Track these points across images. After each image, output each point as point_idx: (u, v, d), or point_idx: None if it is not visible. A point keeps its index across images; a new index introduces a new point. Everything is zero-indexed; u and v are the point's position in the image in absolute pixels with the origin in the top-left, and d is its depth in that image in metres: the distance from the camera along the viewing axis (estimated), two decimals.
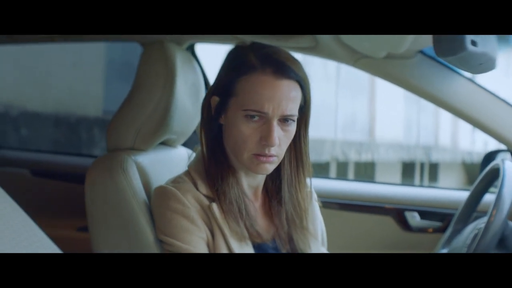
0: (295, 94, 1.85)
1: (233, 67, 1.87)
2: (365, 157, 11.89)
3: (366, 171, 12.39)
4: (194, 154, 2.01)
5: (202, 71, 2.69)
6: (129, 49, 5.24)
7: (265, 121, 1.81)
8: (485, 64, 1.63)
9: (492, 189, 2.39)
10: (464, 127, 20.27)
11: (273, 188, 2.00)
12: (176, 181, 1.91)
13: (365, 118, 13.28)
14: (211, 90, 1.92)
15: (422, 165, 15.52)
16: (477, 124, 2.53)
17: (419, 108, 16.01)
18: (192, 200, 1.86)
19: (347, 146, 11.24)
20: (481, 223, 2.12)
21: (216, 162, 1.91)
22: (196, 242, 1.83)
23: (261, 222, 1.96)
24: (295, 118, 1.86)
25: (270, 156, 1.84)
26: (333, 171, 10.84)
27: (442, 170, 16.79)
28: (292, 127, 1.87)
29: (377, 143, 12.86)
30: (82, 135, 5.83)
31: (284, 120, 1.83)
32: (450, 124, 18.75)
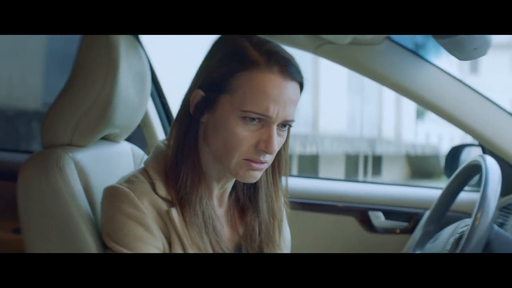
0: (297, 97, 1.67)
1: (228, 60, 1.65)
2: (310, 150, 11.85)
3: (310, 164, 12.36)
4: (138, 149, 1.78)
5: (148, 59, 2.47)
6: (70, 39, 5.05)
7: (264, 124, 1.62)
8: (479, 49, 1.51)
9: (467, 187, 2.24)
10: (408, 119, 20.48)
11: (246, 196, 1.82)
12: (130, 180, 1.69)
13: (309, 110, 13.27)
14: (194, 83, 1.71)
15: (365, 157, 15.61)
16: (447, 116, 2.36)
17: (363, 100, 16.09)
18: (148, 205, 1.65)
19: (292, 139, 11.14)
20: (461, 226, 1.94)
21: (186, 165, 1.70)
22: (150, 252, 1.64)
23: (225, 235, 1.77)
24: (293, 123, 1.68)
25: (263, 163, 1.65)
26: None
27: (385, 162, 16.91)
28: (286, 133, 1.69)
29: (321, 136, 12.85)
30: (21, 129, 5.63)
31: (282, 125, 1.65)
32: (394, 116, 18.89)
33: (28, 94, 5.98)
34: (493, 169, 1.87)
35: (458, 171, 2.17)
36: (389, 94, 17.71)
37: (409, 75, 2.33)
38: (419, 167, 19.54)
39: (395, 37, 2.35)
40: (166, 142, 1.76)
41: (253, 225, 1.78)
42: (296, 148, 11.36)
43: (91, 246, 1.71)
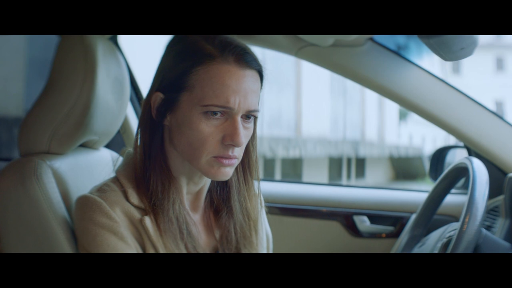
0: (257, 86, 1.63)
1: (183, 58, 1.61)
2: (293, 153, 11.83)
3: (293, 167, 12.34)
4: (120, 158, 1.74)
5: (126, 63, 2.43)
6: (51, 45, 5.01)
7: (228, 117, 1.59)
8: (466, 49, 1.48)
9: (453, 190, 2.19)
10: (390, 121, 20.49)
11: (220, 197, 1.77)
12: (102, 189, 1.63)
13: (291, 113, 13.26)
14: (153, 86, 1.67)
15: (349, 160, 15.60)
16: (431, 118, 2.33)
17: (346, 103, 16.08)
18: (121, 214, 1.60)
19: (275, 142, 11.14)
20: (449, 230, 1.90)
21: (155, 170, 1.65)
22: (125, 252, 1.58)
23: (202, 240, 1.73)
24: (257, 114, 1.65)
25: (232, 158, 1.61)
26: (260, 167, 10.73)
27: (369, 164, 16.90)
28: (252, 124, 1.65)
29: (304, 139, 12.83)
30: (2, 136, 5.57)
31: (246, 116, 1.61)
32: (377, 118, 18.89)
33: (9, 100, 5.92)
34: (480, 172, 1.83)
35: (445, 173, 2.13)
36: (371, 97, 17.73)
37: (393, 76, 2.30)
38: (402, 168, 19.56)
39: (378, 38, 2.31)
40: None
41: (228, 226, 1.74)
42: (279, 152, 11.33)
43: None
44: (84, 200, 1.61)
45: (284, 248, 2.62)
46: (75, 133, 1.84)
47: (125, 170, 1.68)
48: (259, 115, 1.66)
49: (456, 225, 1.89)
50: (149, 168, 1.65)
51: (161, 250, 1.60)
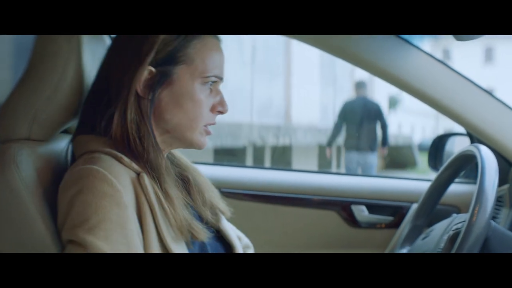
0: None
1: None
2: (283, 141, 11.80)
3: (283, 155, 12.33)
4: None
5: None
6: None
7: (213, 87, 1.67)
8: None
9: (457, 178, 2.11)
10: None
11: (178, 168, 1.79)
12: (91, 160, 1.53)
13: (281, 101, 13.23)
14: (138, 62, 1.62)
15: (339, 148, 15.57)
16: (434, 103, 2.24)
17: (336, 91, 16.07)
18: (120, 176, 1.51)
19: (265, 130, 11.10)
20: (456, 222, 1.80)
21: (144, 147, 1.59)
22: (133, 241, 1.46)
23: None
24: None
25: None
26: (250, 155, 10.73)
27: None
28: None
29: (294, 127, 12.80)
30: None
31: None
32: None
33: None
34: (489, 160, 1.73)
35: (449, 161, 2.04)
36: None
37: (394, 60, 2.21)
38: (392, 157, 19.54)
39: None
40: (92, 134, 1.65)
41: (199, 188, 1.75)
42: (269, 139, 11.28)
43: (50, 248, 1.57)
44: (78, 172, 1.51)
45: (280, 238, 2.57)
46: (57, 118, 1.74)
47: (100, 144, 1.60)
48: (247, 103, 1.68)
49: (462, 217, 1.81)
50: (141, 149, 1.59)
51: (157, 209, 1.52)
